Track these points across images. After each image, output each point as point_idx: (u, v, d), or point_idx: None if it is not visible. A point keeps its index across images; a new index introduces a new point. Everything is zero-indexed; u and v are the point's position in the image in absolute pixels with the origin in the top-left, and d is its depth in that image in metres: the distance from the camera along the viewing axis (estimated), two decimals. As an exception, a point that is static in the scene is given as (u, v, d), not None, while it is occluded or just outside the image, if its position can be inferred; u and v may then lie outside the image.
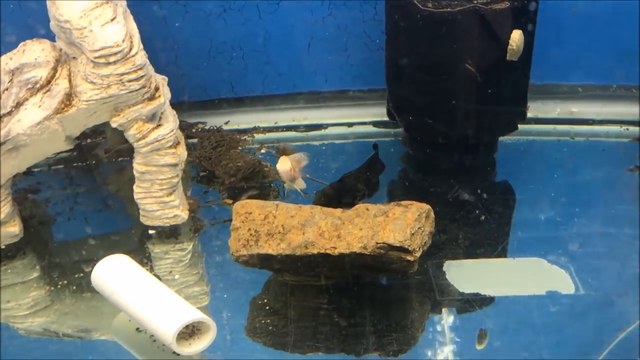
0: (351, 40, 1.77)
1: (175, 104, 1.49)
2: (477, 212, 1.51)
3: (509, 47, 1.44)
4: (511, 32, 1.44)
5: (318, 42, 1.77)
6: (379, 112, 1.76)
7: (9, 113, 1.32)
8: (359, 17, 1.73)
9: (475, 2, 1.45)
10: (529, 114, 1.66)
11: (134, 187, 1.43)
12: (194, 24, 1.72)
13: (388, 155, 1.71)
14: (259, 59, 1.79)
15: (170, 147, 1.40)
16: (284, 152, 1.69)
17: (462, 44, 1.47)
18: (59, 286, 1.35)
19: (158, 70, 1.43)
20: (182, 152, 1.44)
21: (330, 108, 1.86)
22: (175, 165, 1.41)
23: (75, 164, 1.69)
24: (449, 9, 1.45)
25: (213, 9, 1.70)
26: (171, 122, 1.41)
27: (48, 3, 1.34)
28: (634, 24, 1.72)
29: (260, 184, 1.54)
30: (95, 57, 1.27)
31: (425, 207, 1.23)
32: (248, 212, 1.26)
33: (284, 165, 1.42)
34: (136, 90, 1.31)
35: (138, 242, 1.45)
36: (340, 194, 1.45)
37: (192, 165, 1.64)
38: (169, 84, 1.49)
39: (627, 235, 1.44)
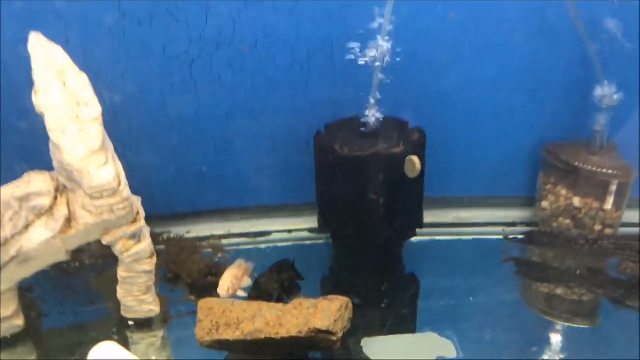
0: (290, 167, 1.89)
1: (145, 218, 1.53)
2: (386, 300, 1.64)
3: (415, 169, 1.58)
4: (407, 161, 1.59)
5: (264, 168, 1.90)
6: (313, 221, 1.86)
7: (20, 232, 1.44)
8: (295, 150, 1.87)
9: (378, 147, 1.61)
10: (429, 220, 1.83)
11: (117, 288, 1.52)
12: (163, 155, 1.85)
13: (320, 256, 1.86)
14: (214, 180, 1.89)
15: (147, 258, 1.51)
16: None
17: (371, 178, 1.62)
18: (55, 369, 1.42)
19: (132, 189, 1.47)
20: (154, 259, 1.52)
21: (274, 218, 1.97)
22: (151, 271, 1.52)
23: (64, 266, 1.72)
24: (359, 153, 1.61)
25: (181, 141, 1.82)
26: (148, 238, 1.51)
27: (51, 148, 1.41)
28: (504, 146, 1.92)
29: (217, 282, 1.59)
30: (92, 192, 1.39)
31: (345, 300, 1.38)
32: (210, 307, 1.40)
33: (222, 290, 1.51)
34: (123, 216, 1.43)
35: (120, 330, 1.55)
36: (260, 296, 1.50)
37: (161, 268, 1.72)
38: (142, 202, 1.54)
39: (504, 313, 1.62)
